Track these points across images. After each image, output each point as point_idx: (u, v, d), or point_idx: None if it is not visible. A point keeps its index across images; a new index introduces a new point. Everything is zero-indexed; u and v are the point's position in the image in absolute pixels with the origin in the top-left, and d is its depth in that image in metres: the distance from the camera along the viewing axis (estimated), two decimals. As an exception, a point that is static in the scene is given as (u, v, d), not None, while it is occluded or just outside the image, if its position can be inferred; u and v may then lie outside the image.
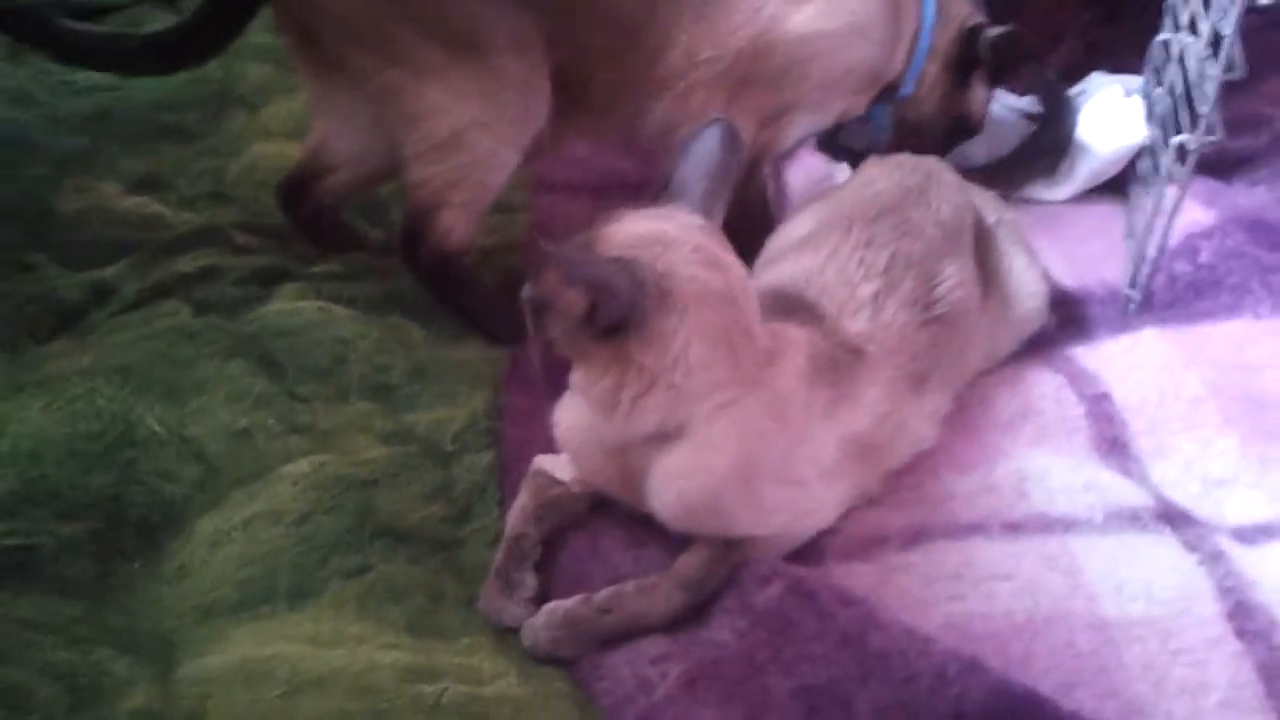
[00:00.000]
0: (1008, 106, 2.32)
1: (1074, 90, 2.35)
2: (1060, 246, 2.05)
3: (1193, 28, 1.78)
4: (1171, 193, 1.78)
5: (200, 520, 1.48)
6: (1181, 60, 1.85)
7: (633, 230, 1.30)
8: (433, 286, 1.88)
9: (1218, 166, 2.06)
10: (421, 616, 1.37)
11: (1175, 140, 1.72)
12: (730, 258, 1.36)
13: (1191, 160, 1.70)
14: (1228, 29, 1.59)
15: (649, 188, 2.00)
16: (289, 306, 1.83)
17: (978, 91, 2.08)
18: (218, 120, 2.50)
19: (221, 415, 1.61)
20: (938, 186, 1.71)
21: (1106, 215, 2.15)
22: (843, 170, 2.26)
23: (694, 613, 1.33)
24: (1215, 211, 1.95)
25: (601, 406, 1.32)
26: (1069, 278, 1.96)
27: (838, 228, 1.61)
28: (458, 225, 1.83)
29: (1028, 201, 2.20)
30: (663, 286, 1.26)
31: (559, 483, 1.47)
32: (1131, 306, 1.85)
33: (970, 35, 2.03)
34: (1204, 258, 1.89)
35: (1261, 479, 1.51)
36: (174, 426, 1.58)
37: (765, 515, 1.38)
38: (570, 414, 1.42)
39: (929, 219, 1.64)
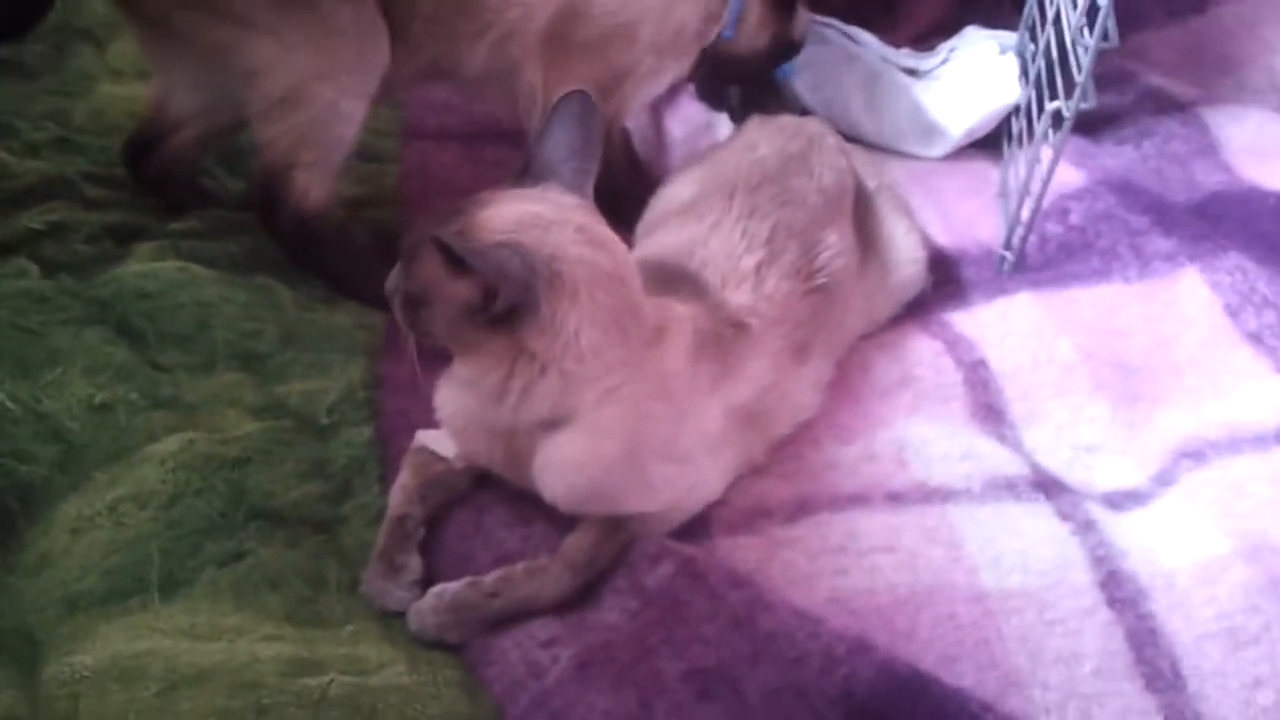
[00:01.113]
0: (886, 59, 2.32)
1: (947, 44, 2.37)
2: (935, 204, 2.07)
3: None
4: (1045, 155, 1.81)
5: (61, 505, 1.40)
6: (1057, 21, 1.88)
7: (510, 213, 1.26)
8: (295, 251, 1.81)
9: (1084, 124, 2.09)
10: (302, 604, 1.32)
11: (1051, 106, 1.75)
12: (613, 236, 1.33)
13: (1067, 125, 1.72)
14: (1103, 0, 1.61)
15: (522, 136, 1.96)
16: (146, 268, 1.73)
17: (800, 15, 2.06)
18: (60, 55, 2.32)
19: (79, 388, 1.52)
20: (819, 152, 1.70)
21: (980, 173, 2.18)
22: (723, 120, 2.24)
23: (584, 593, 1.32)
24: (1085, 173, 2.00)
25: (489, 396, 1.29)
26: (944, 236, 1.99)
27: (720, 196, 1.59)
28: (313, 185, 1.76)
29: (903, 157, 2.21)
30: (552, 269, 1.23)
31: (441, 459, 1.44)
32: (1005, 267, 1.89)
33: None
34: (1074, 219, 1.93)
35: (1129, 445, 1.57)
36: (28, 402, 1.48)
37: (653, 493, 1.37)
38: (452, 396, 1.38)
39: (811, 187, 1.63)
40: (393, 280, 1.31)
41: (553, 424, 1.30)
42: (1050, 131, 1.76)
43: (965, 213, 2.06)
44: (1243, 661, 1.27)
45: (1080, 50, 1.69)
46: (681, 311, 1.39)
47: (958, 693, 1.18)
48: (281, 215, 1.77)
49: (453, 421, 1.40)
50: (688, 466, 1.39)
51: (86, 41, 2.36)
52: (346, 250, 1.85)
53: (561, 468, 1.32)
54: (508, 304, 1.21)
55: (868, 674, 1.18)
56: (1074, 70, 1.71)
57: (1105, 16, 1.61)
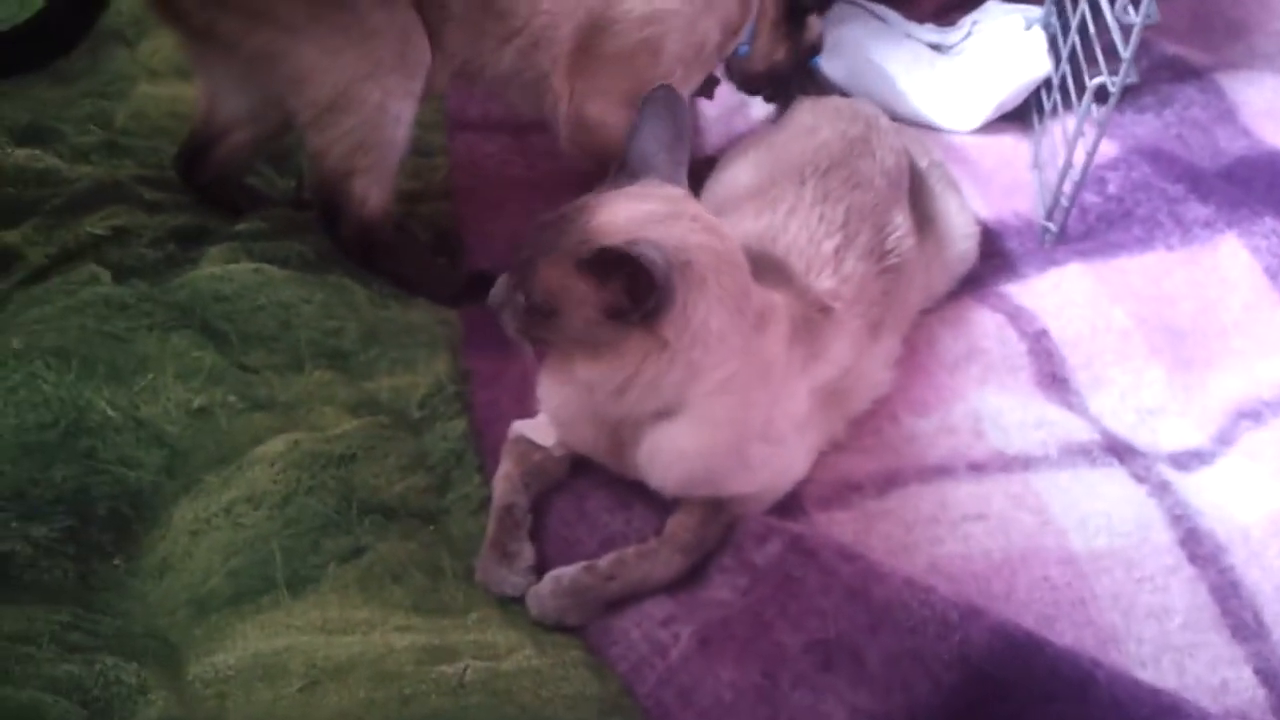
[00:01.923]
0: (911, 36, 2.37)
1: (969, 18, 2.42)
2: (971, 178, 2.12)
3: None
4: (1089, 130, 1.87)
5: (175, 509, 1.43)
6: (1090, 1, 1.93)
7: (626, 213, 1.30)
8: (362, 258, 1.83)
9: (1104, 94, 2.15)
10: (425, 594, 1.37)
11: (1095, 82, 1.80)
12: (721, 222, 1.37)
13: (1112, 101, 1.78)
14: (1149, -25, 1.66)
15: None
16: (220, 270, 1.75)
17: (813, 24, 2.10)
18: (94, 58, 2.31)
19: (175, 393, 1.54)
20: (879, 134, 1.75)
21: (1011, 146, 2.23)
22: (756, 101, 2.28)
23: (693, 573, 1.38)
24: (1117, 143, 2.06)
25: (613, 391, 1.32)
26: (984, 209, 2.04)
27: (791, 181, 1.63)
28: (371, 190, 1.78)
29: (934, 132, 2.26)
30: (682, 260, 1.26)
31: (540, 448, 1.48)
32: (1048, 239, 1.95)
33: None
34: (1112, 189, 2.00)
35: (1187, 407, 1.65)
36: (126, 409, 1.51)
37: (753, 475, 1.43)
38: (558, 390, 1.42)
39: (876, 170, 1.68)
40: (499, 294, 1.34)
41: (664, 413, 1.35)
42: (1097, 108, 1.81)
43: (1001, 185, 2.12)
44: (1323, 609, 1.35)
45: (1124, 29, 1.74)
46: (777, 298, 1.43)
47: (1069, 651, 1.25)
48: (343, 223, 1.80)
49: (559, 414, 1.44)
50: (782, 447, 1.45)
51: (119, 42, 2.36)
52: (410, 251, 1.88)
53: (672, 455, 1.36)
54: (658, 300, 1.24)
55: (982, 637, 1.25)
56: (1118, 47, 1.76)
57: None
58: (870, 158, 1.69)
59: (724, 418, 1.36)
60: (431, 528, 1.46)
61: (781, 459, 1.46)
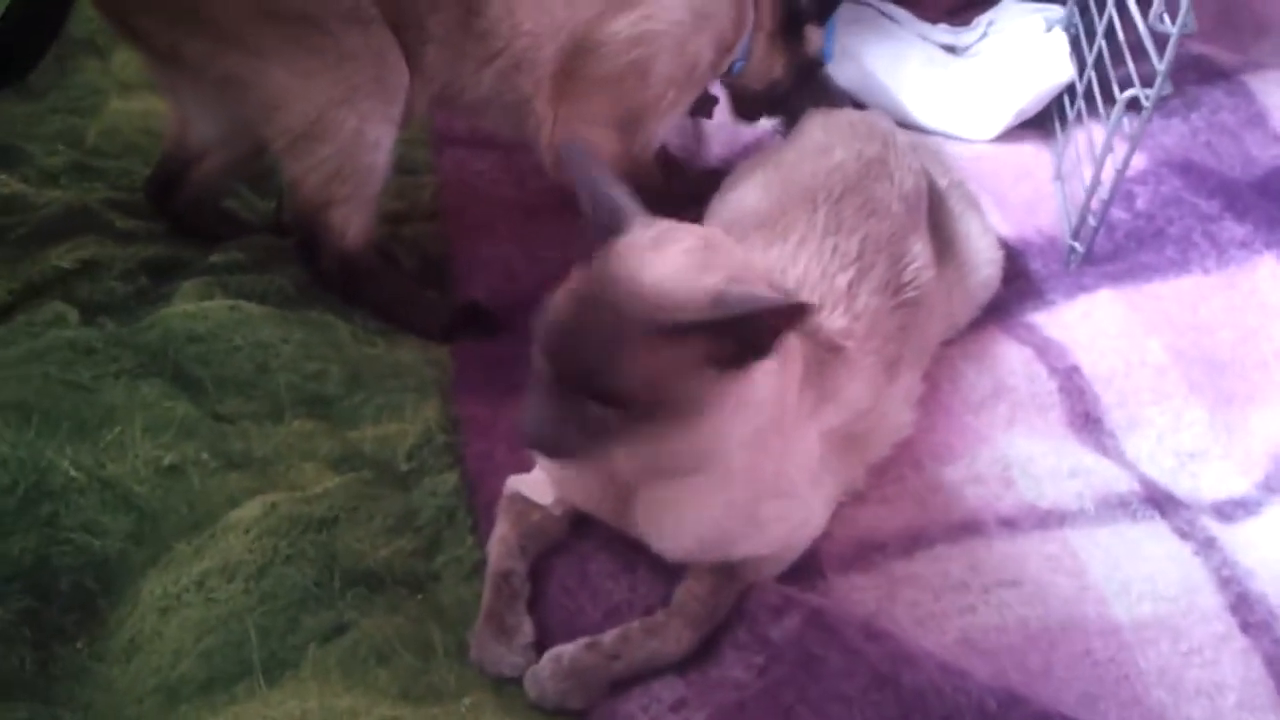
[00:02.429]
0: (925, 38, 2.25)
1: (984, 17, 2.30)
2: (990, 191, 2.01)
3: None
4: (1118, 144, 1.75)
5: (143, 581, 1.32)
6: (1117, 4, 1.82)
7: (674, 259, 1.15)
8: (343, 291, 1.73)
9: (1133, 103, 2.04)
10: (414, 677, 1.26)
11: (1127, 94, 1.69)
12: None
13: (1145, 115, 1.66)
14: (1189, -12, 1.54)
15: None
16: (194, 307, 1.64)
17: (812, 36, 1.97)
18: (63, 70, 2.20)
19: (143, 449, 1.43)
20: (896, 154, 1.64)
21: (1031, 155, 2.12)
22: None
23: (703, 646, 1.27)
24: (1144, 153, 1.95)
25: (651, 454, 1.20)
26: (1004, 225, 1.93)
27: (802, 209, 1.51)
28: (351, 221, 1.69)
29: (950, 141, 2.15)
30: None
31: (538, 507, 1.37)
32: (1074, 260, 1.84)
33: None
34: (1140, 205, 1.89)
35: (1230, 449, 1.54)
36: (91, 469, 1.40)
37: (767, 534, 1.32)
38: None
39: (893, 194, 1.57)
40: (546, 425, 1.15)
41: (676, 470, 1.24)
42: (1129, 120, 1.70)
43: (1022, 198, 2.01)
44: (1383, 682, 1.24)
45: (1159, 38, 1.62)
46: (792, 339, 1.31)
47: (1115, 739, 1.15)
48: (323, 255, 1.70)
49: (564, 469, 1.33)
50: (795, 501, 1.34)
51: (89, 53, 2.25)
52: (395, 283, 1.78)
53: (679, 517, 1.26)
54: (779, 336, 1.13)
55: (1023, 728, 1.14)
56: (1151, 54, 1.64)
57: (1188, 8, 1.54)
58: (887, 180, 1.58)
59: (742, 474, 1.24)
60: (420, 597, 1.36)
61: (796, 514, 1.35)
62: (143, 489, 1.40)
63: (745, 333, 1.11)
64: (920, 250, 1.56)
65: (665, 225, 1.20)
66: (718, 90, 2.04)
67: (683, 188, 1.99)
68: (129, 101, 2.14)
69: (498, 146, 2.05)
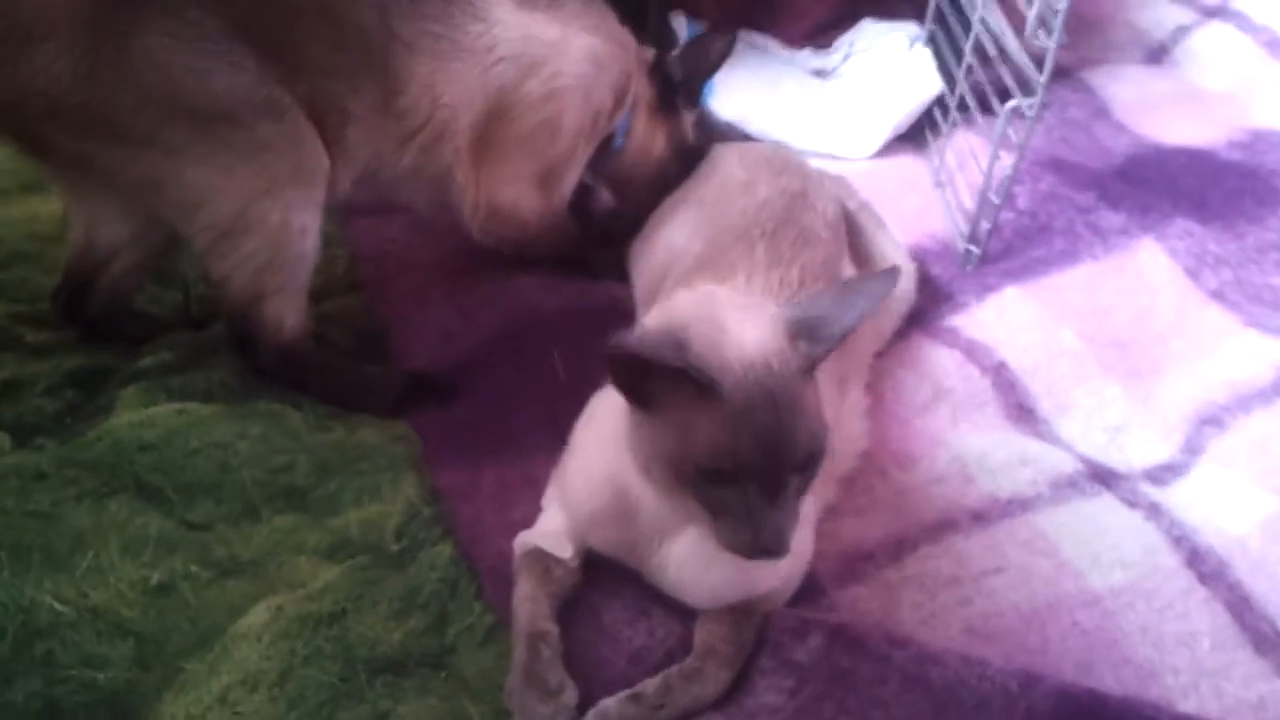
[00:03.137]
0: (793, 64, 2.36)
1: (845, 39, 2.43)
2: (879, 204, 2.12)
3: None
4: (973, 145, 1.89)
5: (161, 706, 1.29)
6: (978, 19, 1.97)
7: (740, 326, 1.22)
8: (286, 381, 1.71)
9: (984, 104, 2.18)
10: (462, 754, 1.27)
11: (1010, 104, 1.83)
12: None
13: (1030, 124, 1.81)
14: (1061, 3, 1.69)
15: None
16: (138, 416, 1.59)
17: (685, 116, 2.05)
18: (-75, 184, 2.09)
19: (125, 571, 1.40)
20: (814, 185, 1.73)
21: (909, 167, 2.25)
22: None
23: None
24: (1013, 154, 2.10)
25: None
26: (900, 236, 2.04)
27: (741, 247, 1.57)
28: (286, 311, 1.68)
29: (833, 159, 2.26)
30: None
31: (559, 561, 1.40)
32: (971, 262, 1.97)
33: (657, 68, 1.98)
34: (1022, 204, 2.04)
35: (1149, 419, 1.69)
36: (75, 600, 1.36)
37: (786, 568, 1.38)
38: (595, 492, 1.35)
39: (819, 223, 1.66)
40: (779, 533, 1.18)
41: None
42: (1014, 130, 1.84)
43: (910, 209, 2.13)
44: (1325, 608, 1.40)
45: (1036, 50, 1.77)
46: None
47: (1128, 702, 1.25)
48: (261, 350, 1.69)
49: (592, 515, 1.37)
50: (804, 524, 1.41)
51: (-46, 164, 2.13)
52: (337, 365, 1.77)
53: (718, 564, 1.30)
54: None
55: (1046, 703, 1.23)
56: (1029, 69, 1.79)
57: (1062, 19, 1.69)
58: (812, 211, 1.67)
59: None
60: (444, 674, 1.36)
61: (799, 542, 1.41)
62: (133, 613, 1.37)
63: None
64: (850, 272, 1.66)
65: (686, 315, 1.25)
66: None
67: (598, 228, 2.06)
68: (8, 209, 2.06)
69: (404, 212, 2.05)
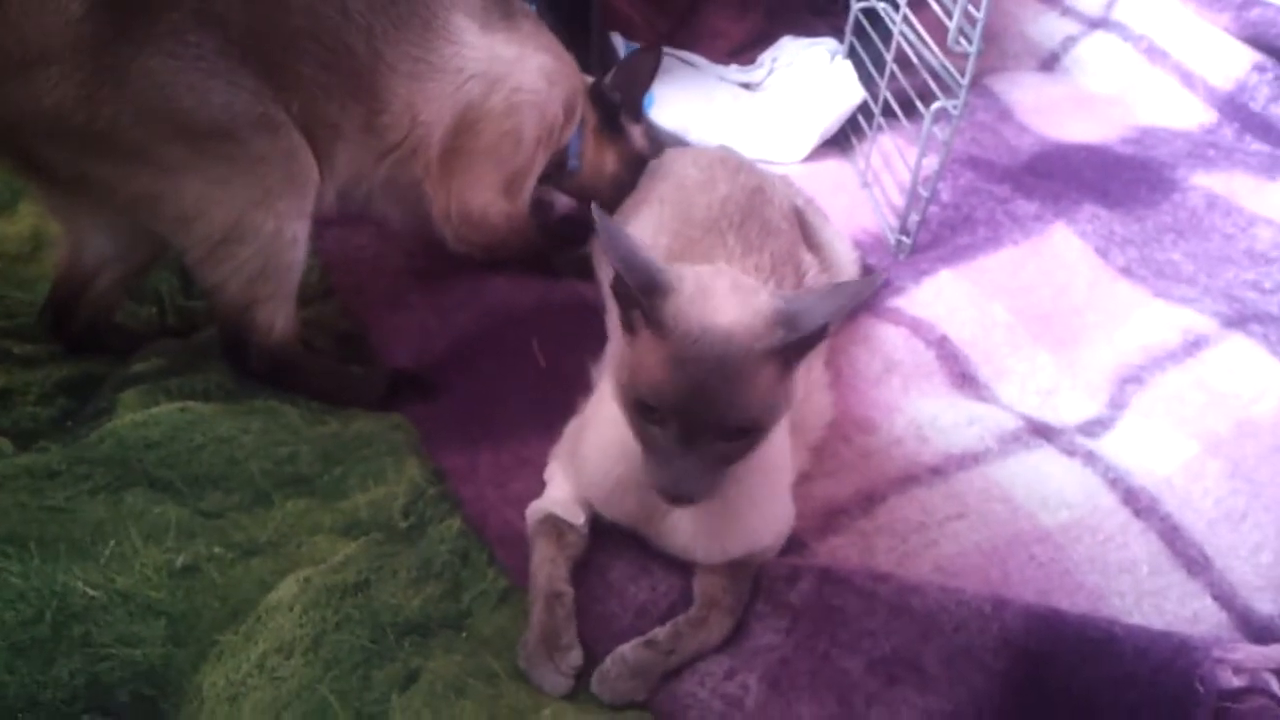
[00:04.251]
0: (723, 78, 2.52)
1: (767, 55, 2.61)
2: (813, 203, 2.30)
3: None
4: (932, 152, 2.08)
5: (199, 677, 1.35)
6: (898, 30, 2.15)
7: (730, 298, 1.28)
8: (276, 383, 1.78)
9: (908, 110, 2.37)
10: (492, 702, 1.36)
11: (935, 106, 2.01)
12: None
13: (955, 123, 1.99)
14: (981, 14, 1.88)
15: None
16: (141, 416, 1.65)
17: (632, 129, 2.21)
18: (-112, 208, 2.11)
19: (150, 556, 1.46)
20: (768, 181, 1.88)
21: (836, 169, 2.44)
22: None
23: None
24: (934, 155, 2.28)
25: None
26: (835, 230, 2.22)
27: (713, 237, 1.72)
28: (276, 317, 1.74)
29: (767, 164, 2.42)
30: None
31: (572, 527, 1.50)
32: (903, 251, 2.15)
33: (595, 92, 2.13)
34: (946, 197, 2.23)
35: (1076, 382, 1.87)
36: (104, 585, 1.41)
37: (778, 525, 1.53)
38: (615, 465, 1.45)
39: (778, 215, 1.81)
40: (689, 479, 1.26)
41: (754, 472, 1.39)
42: (939, 130, 2.02)
43: (840, 207, 2.30)
44: (1242, 533, 1.58)
45: (933, 54, 1.96)
46: None
47: (1085, 616, 1.41)
48: (253, 354, 1.75)
49: (608, 486, 1.47)
50: (786, 490, 1.55)
51: (-90, 188, 2.16)
52: (324, 367, 1.85)
53: (721, 525, 1.43)
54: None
55: (1016, 621, 1.39)
56: (944, 72, 1.98)
57: (981, 27, 1.88)
58: (770, 205, 1.81)
59: (777, 461, 1.43)
60: (463, 634, 1.46)
61: (789, 501, 1.55)
62: (161, 594, 1.43)
63: (813, 334, 1.27)
64: (810, 259, 1.81)
65: (691, 273, 1.33)
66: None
67: (555, 233, 2.18)
68: (-24, 228, 2.09)
69: (370, 221, 2.14)
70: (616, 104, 2.14)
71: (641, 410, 1.27)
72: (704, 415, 1.23)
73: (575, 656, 1.41)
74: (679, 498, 1.28)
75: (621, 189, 2.09)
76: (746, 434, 1.27)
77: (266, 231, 1.66)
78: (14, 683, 1.30)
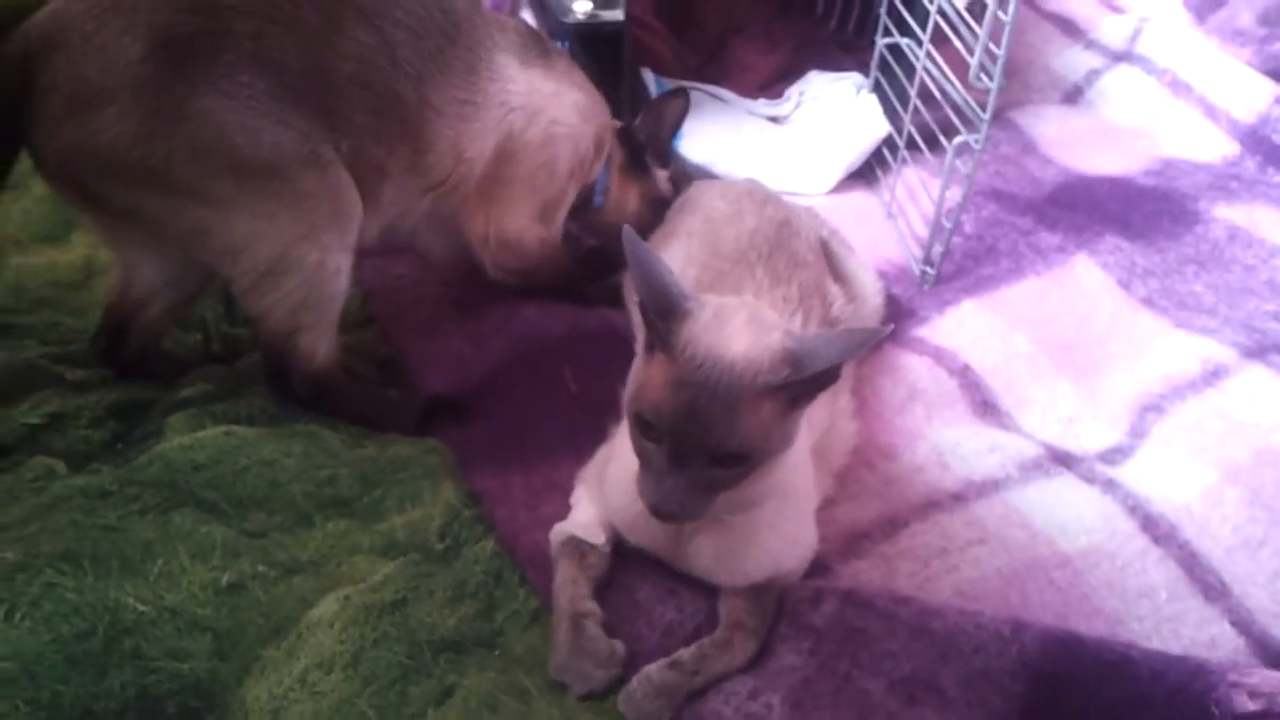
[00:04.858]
0: (752, 112, 2.58)
1: (795, 88, 2.66)
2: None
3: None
4: (954, 184, 2.12)
5: (243, 691, 1.41)
6: (921, 66, 2.20)
7: (743, 332, 1.33)
8: (317, 408, 1.85)
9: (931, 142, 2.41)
10: (523, 718, 1.41)
11: (958, 140, 2.05)
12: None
13: (978, 155, 2.03)
14: (999, 49, 1.92)
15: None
16: (189, 439, 1.72)
17: (656, 171, 2.28)
18: (-54, 236, 2.20)
19: (197, 574, 1.52)
20: (794, 214, 1.93)
21: (861, 201, 2.48)
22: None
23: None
24: (958, 188, 2.33)
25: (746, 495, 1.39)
26: (860, 261, 2.26)
27: (742, 268, 1.77)
28: (318, 345, 1.80)
29: (793, 196, 2.47)
30: None
31: (594, 548, 1.55)
32: (927, 281, 2.19)
33: (624, 134, 2.21)
34: (969, 229, 2.27)
35: (1097, 411, 1.90)
36: (153, 601, 1.48)
37: (802, 549, 1.57)
38: (635, 490, 1.46)
39: (804, 247, 1.86)
40: (673, 496, 1.31)
41: (759, 502, 1.44)
42: (962, 163, 2.07)
43: (866, 238, 2.35)
44: (1260, 560, 1.61)
45: (980, 91, 2.00)
46: None
47: (1102, 640, 1.44)
48: (295, 380, 1.81)
49: (629, 514, 1.51)
50: (810, 514, 1.59)
51: (-29, 216, 2.25)
52: (362, 392, 1.91)
53: (746, 546, 1.47)
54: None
55: (1034, 644, 1.42)
56: (974, 109, 2.02)
57: (1002, 63, 1.92)
58: (797, 237, 1.86)
59: (793, 494, 1.48)
60: (496, 653, 1.51)
61: (812, 525, 1.59)
62: (207, 611, 1.49)
63: (820, 374, 1.31)
64: (836, 290, 1.86)
65: (714, 302, 1.38)
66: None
67: (586, 263, 2.25)
68: (27, 257, 2.17)
69: (410, 252, 2.20)
70: (643, 144, 2.21)
71: (641, 426, 1.33)
72: (696, 438, 1.28)
73: (620, 652, 1.46)
74: (663, 514, 1.33)
75: (643, 227, 2.13)
76: (739, 462, 1.31)
77: (310, 264, 1.72)
78: (69, 693, 1.36)
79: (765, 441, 1.32)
